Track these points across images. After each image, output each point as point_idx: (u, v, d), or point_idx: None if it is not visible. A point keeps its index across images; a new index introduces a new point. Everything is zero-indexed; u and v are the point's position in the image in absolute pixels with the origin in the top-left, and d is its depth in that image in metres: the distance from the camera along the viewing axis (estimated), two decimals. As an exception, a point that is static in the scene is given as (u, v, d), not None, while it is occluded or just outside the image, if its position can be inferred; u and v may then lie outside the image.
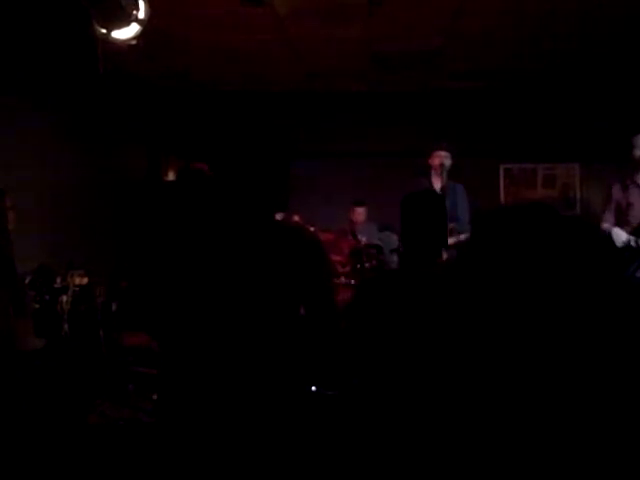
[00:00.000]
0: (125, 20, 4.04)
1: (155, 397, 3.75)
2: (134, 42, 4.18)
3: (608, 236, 5.16)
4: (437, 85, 8.06)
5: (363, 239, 6.27)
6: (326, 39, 6.24)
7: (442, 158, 5.58)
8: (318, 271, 2.22)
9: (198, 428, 2.05)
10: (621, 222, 5.26)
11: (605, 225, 5.29)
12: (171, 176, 8.49)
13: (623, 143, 5.33)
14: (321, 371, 2.34)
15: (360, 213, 7.23)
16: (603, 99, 8.05)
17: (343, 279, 5.87)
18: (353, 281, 5.71)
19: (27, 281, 4.51)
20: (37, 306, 4.47)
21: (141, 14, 4.09)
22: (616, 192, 5.38)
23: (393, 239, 6.32)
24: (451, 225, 4.78)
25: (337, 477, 2.12)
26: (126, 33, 4.10)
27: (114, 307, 4.84)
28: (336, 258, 6.11)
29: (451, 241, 4.63)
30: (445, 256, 3.09)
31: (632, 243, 5.06)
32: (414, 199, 2.70)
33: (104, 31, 4.06)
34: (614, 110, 7.88)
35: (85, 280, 4.81)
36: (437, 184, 5.58)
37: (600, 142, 7.83)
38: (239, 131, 2.24)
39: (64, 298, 4.59)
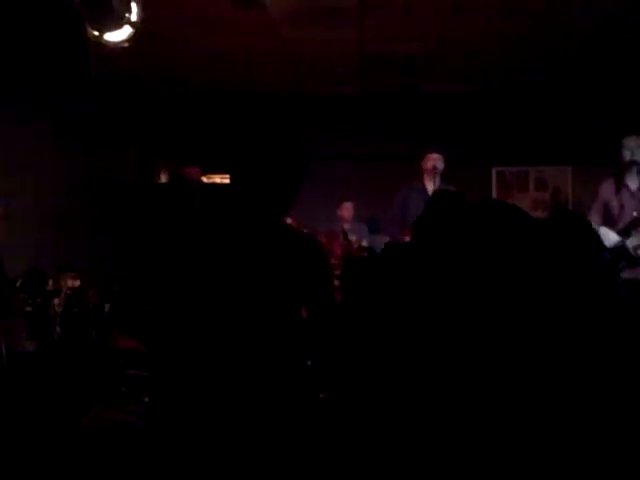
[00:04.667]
0: (117, 22, 4.04)
1: (147, 400, 3.75)
2: (126, 44, 4.17)
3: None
4: (429, 88, 8.08)
5: (353, 238, 6.29)
6: (318, 42, 6.25)
7: (435, 161, 5.61)
8: (320, 273, 2.23)
9: (190, 432, 2.05)
10: (610, 223, 5.26)
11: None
12: (163, 178, 8.48)
13: (615, 146, 5.34)
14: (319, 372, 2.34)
15: (348, 208, 7.25)
16: (595, 102, 8.08)
17: (336, 282, 5.87)
18: (345, 284, 5.71)
19: (19, 284, 4.49)
20: (29, 309, 4.46)
21: (133, 16, 4.09)
22: (605, 192, 5.38)
23: (384, 242, 6.33)
24: None
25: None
26: (118, 35, 4.10)
27: (106, 309, 4.83)
28: (328, 260, 6.12)
29: None
30: None
31: (629, 246, 5.05)
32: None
33: (96, 33, 4.06)
34: (606, 113, 7.91)
35: (77, 283, 4.80)
36: (430, 187, 5.60)
37: (592, 145, 7.86)
38: (260, 135, 2.24)
39: (56, 301, 4.57)
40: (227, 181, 2.30)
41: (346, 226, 6.99)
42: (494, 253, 1.65)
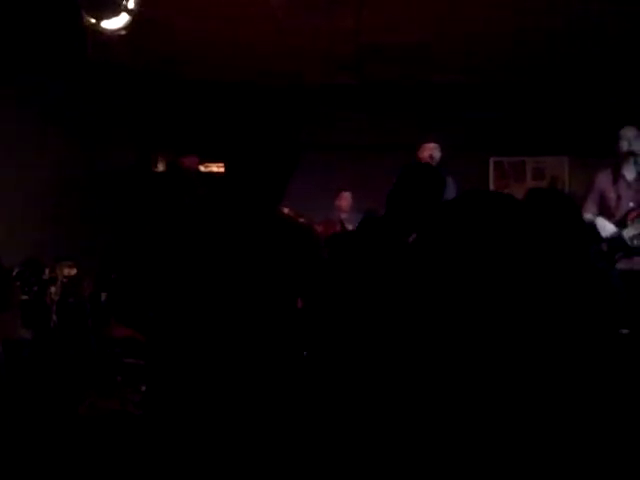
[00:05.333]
0: (114, 10, 4.03)
1: (143, 388, 3.75)
2: (123, 32, 4.16)
3: (591, 226, 5.08)
4: (427, 78, 8.06)
5: (350, 228, 6.29)
6: (316, 31, 6.23)
7: (432, 150, 5.59)
8: (316, 262, 2.23)
9: (187, 420, 2.05)
10: (606, 213, 5.25)
11: (588, 215, 5.10)
12: (161, 167, 8.46)
13: (612, 136, 5.33)
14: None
15: (346, 197, 7.26)
16: (592, 92, 8.07)
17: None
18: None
19: (15, 272, 4.49)
20: (25, 297, 4.46)
21: (130, 4, 4.08)
22: (602, 183, 5.35)
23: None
24: None
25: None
26: (116, 23, 4.10)
27: (103, 298, 4.84)
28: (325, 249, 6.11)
29: None
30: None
31: (625, 236, 5.05)
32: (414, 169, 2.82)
33: (93, 21, 4.05)
34: (603, 103, 7.90)
35: (74, 271, 4.81)
36: (427, 177, 5.58)
37: (589, 135, 7.85)
38: (252, 124, 2.25)
39: (52, 289, 4.58)
40: (224, 170, 2.31)
41: (343, 216, 7.00)
42: (470, 235, 1.65)
